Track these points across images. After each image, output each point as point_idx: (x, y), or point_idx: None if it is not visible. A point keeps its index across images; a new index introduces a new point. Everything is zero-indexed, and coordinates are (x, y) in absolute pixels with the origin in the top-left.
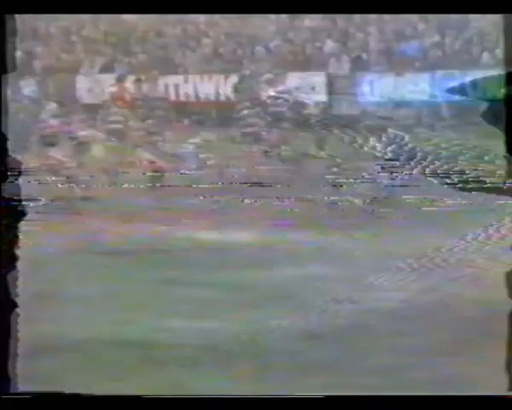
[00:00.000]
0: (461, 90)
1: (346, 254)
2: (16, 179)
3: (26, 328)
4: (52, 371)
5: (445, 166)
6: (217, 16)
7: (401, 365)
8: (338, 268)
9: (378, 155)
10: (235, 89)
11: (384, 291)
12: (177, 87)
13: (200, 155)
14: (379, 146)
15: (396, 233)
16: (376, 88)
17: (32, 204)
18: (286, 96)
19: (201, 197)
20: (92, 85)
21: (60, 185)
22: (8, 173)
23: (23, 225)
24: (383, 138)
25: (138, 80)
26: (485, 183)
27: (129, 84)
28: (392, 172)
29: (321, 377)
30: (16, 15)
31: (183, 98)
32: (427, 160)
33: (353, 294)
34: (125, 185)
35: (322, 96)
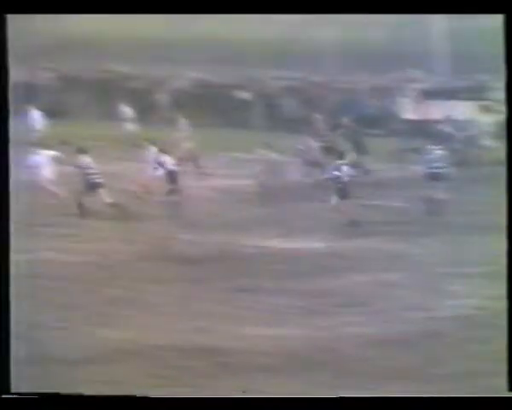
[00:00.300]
0: None
1: (416, 260)
2: None
3: (103, 332)
4: (127, 376)
5: None
6: None
7: (475, 371)
8: (409, 275)
9: None
10: None
11: (456, 298)
12: None
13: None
14: None
15: (465, 240)
16: None
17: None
18: None
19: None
20: None
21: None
22: None
23: (96, 232)
24: None
25: None
26: None
27: None
28: None
29: (395, 383)
30: None
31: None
32: None
33: (425, 300)
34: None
35: None
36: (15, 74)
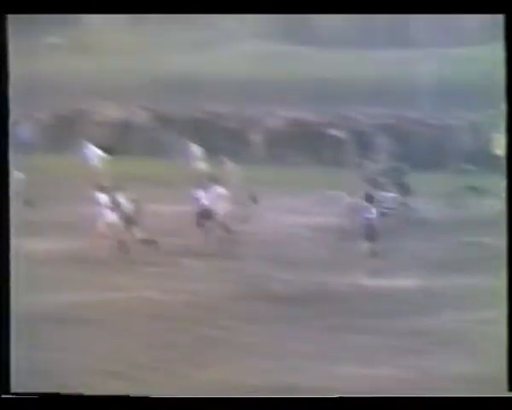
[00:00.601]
0: None
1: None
2: None
3: (198, 373)
4: None
5: None
6: None
7: None
8: (502, 311)
9: None
10: None
11: None
12: None
13: None
14: None
15: None
16: None
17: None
18: None
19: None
20: None
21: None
22: None
23: (191, 271)
24: None
25: None
26: None
27: None
28: None
29: None
30: None
31: None
32: None
33: None
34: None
35: None
36: (113, 113)
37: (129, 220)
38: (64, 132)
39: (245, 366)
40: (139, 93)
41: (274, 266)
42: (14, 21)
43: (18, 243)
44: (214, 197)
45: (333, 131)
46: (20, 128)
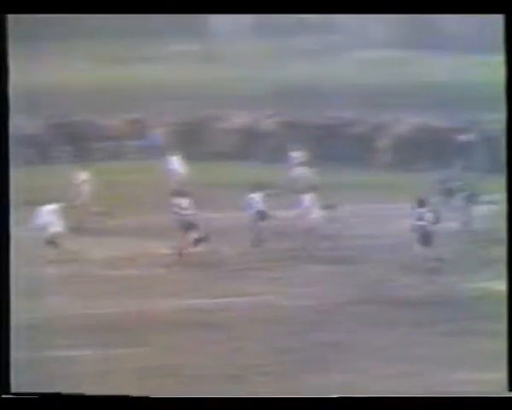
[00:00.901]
0: None
1: None
2: None
3: (315, 376)
4: None
5: None
6: None
7: None
8: None
9: None
10: None
11: None
12: None
13: None
14: None
15: None
16: None
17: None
18: None
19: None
20: None
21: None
22: None
23: (309, 275)
24: None
25: None
26: None
27: None
28: None
29: None
30: None
31: None
32: None
33: None
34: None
35: None
36: (238, 120)
37: (189, 225)
38: (189, 138)
39: (364, 370)
40: (264, 100)
41: (395, 269)
42: (142, 32)
43: (132, 246)
44: (308, 203)
45: (460, 137)
46: (151, 133)
